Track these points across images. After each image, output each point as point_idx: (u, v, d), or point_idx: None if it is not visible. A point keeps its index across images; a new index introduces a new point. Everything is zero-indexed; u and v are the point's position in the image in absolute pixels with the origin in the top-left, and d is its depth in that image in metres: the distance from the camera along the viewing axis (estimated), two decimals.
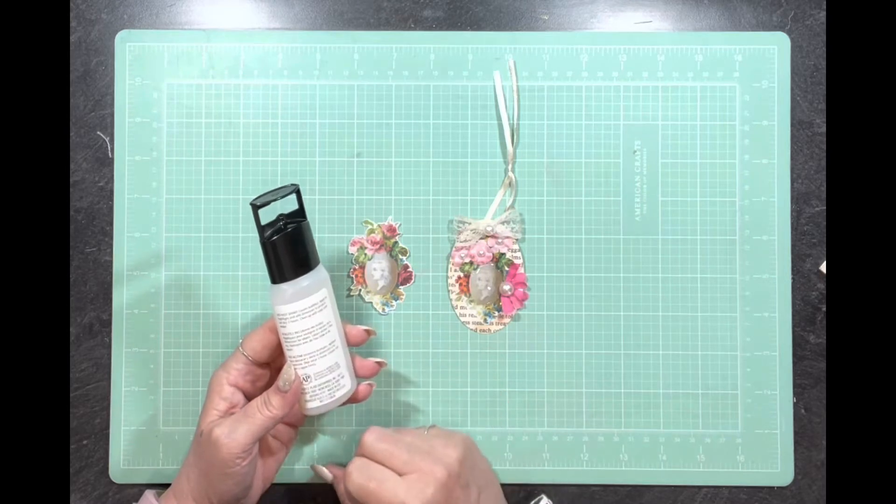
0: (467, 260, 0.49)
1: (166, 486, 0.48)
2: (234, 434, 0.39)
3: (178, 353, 0.48)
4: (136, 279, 0.48)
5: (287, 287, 0.39)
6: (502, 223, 0.48)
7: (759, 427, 0.48)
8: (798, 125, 0.49)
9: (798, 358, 0.49)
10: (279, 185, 0.38)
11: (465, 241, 0.49)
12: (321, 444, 0.48)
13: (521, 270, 0.48)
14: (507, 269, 0.49)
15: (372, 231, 0.49)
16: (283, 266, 0.39)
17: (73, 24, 0.49)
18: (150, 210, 0.49)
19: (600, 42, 0.49)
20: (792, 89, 0.49)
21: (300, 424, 0.46)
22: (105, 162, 0.49)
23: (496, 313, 0.49)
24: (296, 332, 0.39)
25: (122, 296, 0.48)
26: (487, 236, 0.49)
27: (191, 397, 0.48)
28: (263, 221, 0.39)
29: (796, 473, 0.48)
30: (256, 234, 0.48)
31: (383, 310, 0.49)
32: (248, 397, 0.43)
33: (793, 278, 0.49)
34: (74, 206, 0.49)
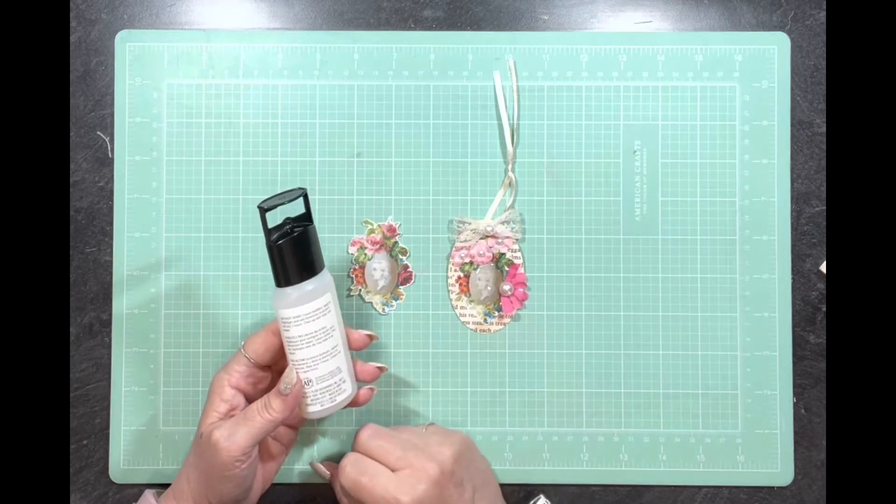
0: (467, 260, 0.49)
1: (166, 485, 0.48)
2: (234, 437, 0.39)
3: (178, 353, 0.48)
4: (136, 279, 0.48)
5: (292, 291, 0.39)
6: (502, 223, 0.48)
7: (759, 427, 0.48)
8: (798, 125, 0.49)
9: (798, 358, 0.49)
10: (286, 188, 0.37)
11: (465, 241, 0.49)
12: (321, 444, 0.48)
13: (521, 270, 0.48)
14: (507, 269, 0.49)
15: (372, 231, 0.49)
16: (288, 270, 0.38)
17: (73, 24, 0.49)
18: (150, 210, 0.49)
19: (600, 42, 0.49)
20: (792, 89, 0.49)
21: (300, 426, 0.46)
22: (105, 162, 0.49)
23: (496, 313, 0.49)
24: (299, 336, 0.39)
25: (122, 296, 0.48)
26: (487, 236, 0.49)
27: (191, 397, 0.48)
28: (270, 224, 0.39)
29: (796, 473, 0.48)
30: (256, 235, 0.48)
31: (383, 310, 0.49)
32: (249, 399, 0.43)
33: (793, 278, 0.49)
34: (74, 206, 0.49)
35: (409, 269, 0.49)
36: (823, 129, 0.49)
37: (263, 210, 0.37)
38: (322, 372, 0.40)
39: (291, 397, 0.40)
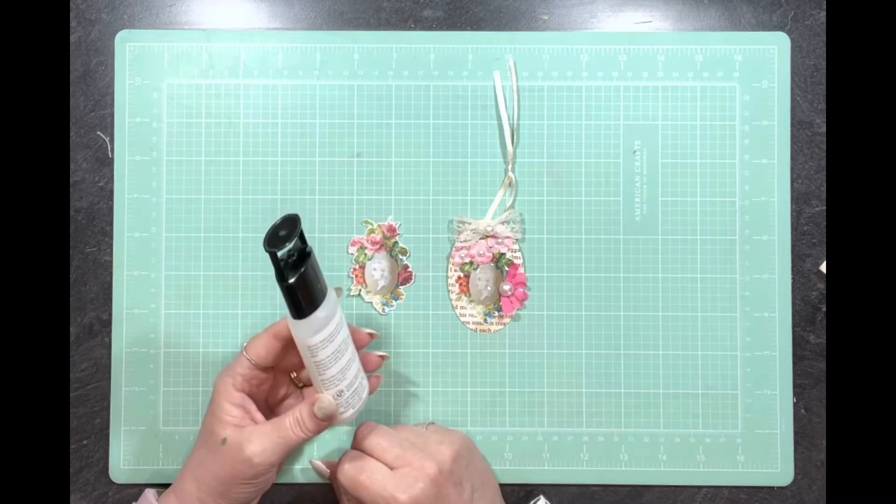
0: (467, 260, 0.49)
1: (166, 485, 0.48)
2: (267, 452, 0.39)
3: (178, 353, 0.48)
4: (136, 279, 0.48)
5: (312, 319, 0.39)
6: (502, 223, 0.48)
7: (759, 427, 0.48)
8: (798, 125, 0.49)
9: (798, 358, 0.49)
10: (277, 219, 0.37)
11: (465, 241, 0.49)
12: (321, 442, 0.48)
13: (521, 270, 0.48)
14: (507, 269, 0.49)
15: (372, 231, 0.49)
16: (305, 301, 0.38)
17: (73, 24, 0.49)
18: (150, 210, 0.49)
19: (600, 42, 0.49)
20: (792, 89, 0.49)
21: None
22: (105, 162, 0.49)
23: (496, 313, 0.49)
24: (326, 357, 0.39)
25: (122, 296, 0.48)
26: (487, 236, 0.49)
27: (191, 397, 0.48)
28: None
29: (796, 473, 0.48)
30: (256, 235, 0.48)
31: (383, 310, 0.49)
32: (254, 400, 0.43)
33: (793, 278, 0.49)
34: (74, 206, 0.49)
35: (409, 269, 0.49)
36: (823, 129, 0.49)
37: (275, 253, 0.36)
38: (349, 379, 0.41)
39: (328, 420, 0.40)
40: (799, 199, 0.49)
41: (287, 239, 0.36)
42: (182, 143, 0.49)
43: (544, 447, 0.48)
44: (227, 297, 0.49)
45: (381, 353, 0.44)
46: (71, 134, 0.49)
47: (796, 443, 0.48)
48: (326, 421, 0.40)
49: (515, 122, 0.49)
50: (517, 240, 0.49)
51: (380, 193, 0.49)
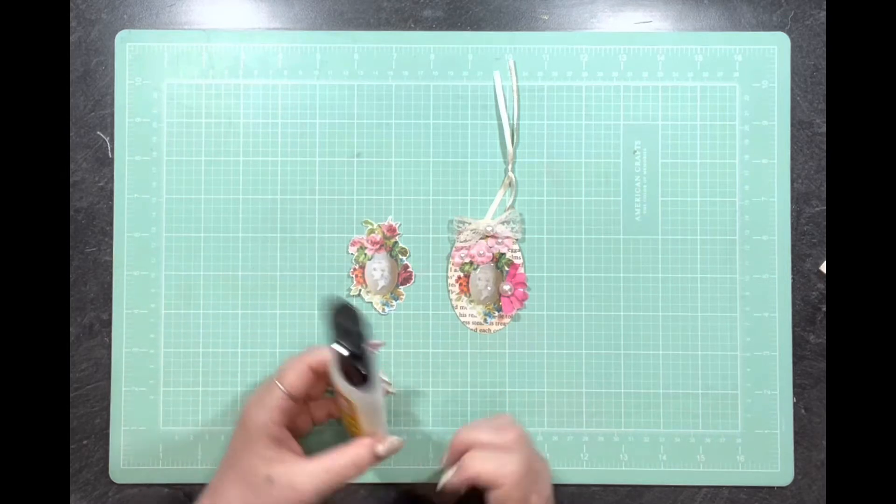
0: (467, 260, 0.49)
1: (166, 485, 0.48)
2: (320, 491, 0.39)
3: (178, 353, 0.48)
4: (136, 279, 0.48)
5: (377, 384, 0.39)
6: (502, 223, 0.48)
7: (759, 427, 0.48)
8: (798, 125, 0.49)
9: (798, 358, 0.49)
10: (330, 307, 0.38)
11: (465, 241, 0.49)
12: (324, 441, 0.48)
13: (521, 270, 0.48)
14: (507, 269, 0.49)
15: (372, 231, 0.49)
16: (372, 373, 0.39)
17: (73, 24, 0.49)
18: (150, 210, 0.49)
19: (600, 42, 0.49)
20: (792, 89, 0.49)
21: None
22: (105, 162, 0.49)
23: (496, 313, 0.49)
24: (382, 407, 0.40)
25: (122, 296, 0.48)
26: (487, 236, 0.49)
27: (191, 397, 0.48)
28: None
29: (796, 473, 0.48)
30: (256, 235, 0.48)
31: (383, 310, 0.49)
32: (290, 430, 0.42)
33: (793, 278, 0.49)
34: (74, 206, 0.49)
35: (409, 269, 0.49)
36: (823, 129, 0.49)
37: (354, 356, 0.37)
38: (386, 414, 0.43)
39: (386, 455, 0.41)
40: (799, 199, 0.49)
41: (357, 333, 0.37)
42: (182, 143, 0.49)
43: (544, 447, 0.48)
44: (227, 297, 0.49)
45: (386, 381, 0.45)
46: (71, 134, 0.49)
47: (796, 443, 0.48)
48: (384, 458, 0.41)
49: (515, 122, 0.49)
50: (517, 240, 0.49)
51: (380, 193, 0.49)
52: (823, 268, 0.49)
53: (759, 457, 0.48)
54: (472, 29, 0.50)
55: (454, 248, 0.49)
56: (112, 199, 0.49)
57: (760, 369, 0.48)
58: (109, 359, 0.48)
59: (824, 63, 0.49)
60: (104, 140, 0.49)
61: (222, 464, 0.42)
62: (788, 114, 0.49)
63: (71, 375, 0.48)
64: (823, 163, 0.49)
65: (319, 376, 0.42)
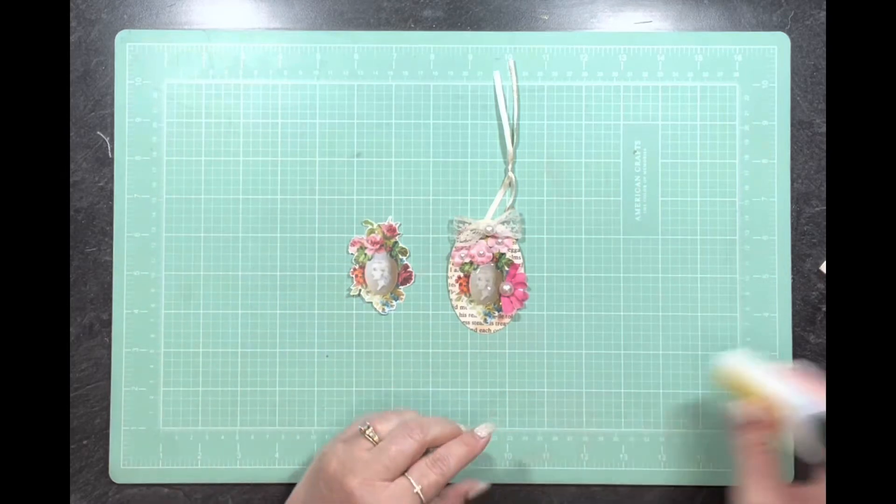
0: (467, 260, 0.49)
1: (166, 485, 0.48)
2: None
3: (178, 353, 0.48)
4: (136, 279, 0.48)
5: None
6: (502, 223, 0.48)
7: None
8: (798, 125, 0.49)
9: (798, 358, 0.49)
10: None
11: (465, 241, 0.49)
12: (323, 438, 0.48)
13: (521, 270, 0.48)
14: (507, 269, 0.49)
15: (372, 231, 0.49)
16: None
17: (73, 24, 0.49)
18: (150, 210, 0.49)
19: (600, 42, 0.49)
20: (792, 89, 0.49)
21: None
22: (105, 162, 0.49)
23: (496, 313, 0.49)
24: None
25: (122, 296, 0.48)
26: (487, 236, 0.49)
27: (191, 397, 0.48)
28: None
29: (796, 473, 0.48)
30: (256, 235, 0.48)
31: (383, 310, 0.49)
32: None
33: (793, 278, 0.49)
34: (74, 206, 0.49)
35: (409, 269, 0.49)
36: (823, 129, 0.49)
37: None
38: None
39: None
40: (799, 199, 0.49)
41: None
42: (182, 143, 0.49)
43: (544, 447, 0.48)
44: (227, 297, 0.49)
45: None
46: (71, 134, 0.49)
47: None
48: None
49: (515, 122, 0.49)
50: (517, 240, 0.49)
51: (380, 193, 0.49)
52: (823, 268, 0.49)
53: None
54: (472, 29, 0.50)
55: (454, 248, 0.49)
56: (112, 199, 0.49)
57: None
58: (109, 359, 0.48)
59: (824, 63, 0.49)
60: (104, 140, 0.49)
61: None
62: (788, 114, 0.49)
63: (71, 375, 0.48)
64: (823, 163, 0.49)
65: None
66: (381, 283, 0.49)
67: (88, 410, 0.48)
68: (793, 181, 0.49)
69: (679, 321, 0.48)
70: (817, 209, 0.49)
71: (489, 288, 0.49)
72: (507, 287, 0.48)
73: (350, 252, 0.49)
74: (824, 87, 0.49)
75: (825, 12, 0.49)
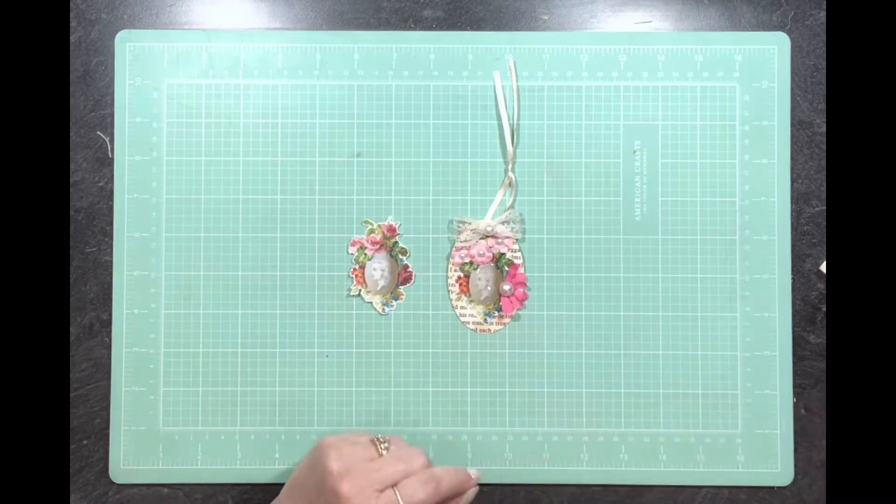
0: (467, 260, 0.49)
1: (166, 485, 0.48)
2: None
3: (178, 353, 0.48)
4: (136, 279, 0.48)
5: None
6: (502, 223, 0.48)
7: (759, 427, 0.48)
8: (798, 125, 0.49)
9: (798, 358, 0.49)
10: None
11: (465, 241, 0.49)
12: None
13: (521, 270, 0.48)
14: (507, 269, 0.49)
15: (372, 231, 0.49)
16: None
17: (73, 24, 0.49)
18: (150, 210, 0.49)
19: (600, 42, 0.49)
20: (792, 89, 0.49)
21: None
22: (105, 162, 0.49)
23: (496, 313, 0.49)
24: None
25: (122, 296, 0.48)
26: (487, 236, 0.49)
27: (191, 397, 0.48)
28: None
29: (796, 473, 0.48)
30: (256, 235, 0.48)
31: (383, 310, 0.49)
32: None
33: (793, 278, 0.49)
34: (74, 206, 0.49)
35: (409, 269, 0.49)
36: (823, 129, 0.49)
37: None
38: None
39: None
40: (799, 199, 0.49)
41: None
42: (182, 143, 0.49)
43: (544, 447, 0.48)
44: (227, 297, 0.49)
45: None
46: (71, 134, 0.49)
47: (796, 443, 0.48)
48: None
49: (515, 122, 0.49)
50: (517, 240, 0.49)
51: (380, 193, 0.49)
52: (823, 268, 0.49)
53: (759, 457, 0.48)
54: (472, 29, 0.50)
55: (454, 248, 0.49)
56: (112, 199, 0.49)
57: (760, 369, 0.48)
58: (109, 359, 0.48)
59: (824, 63, 0.49)
60: (104, 140, 0.49)
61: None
62: (788, 114, 0.49)
63: (71, 375, 0.48)
64: (823, 163, 0.49)
65: None
66: (381, 283, 0.49)
67: (88, 410, 0.48)
68: (793, 181, 0.49)
69: (679, 321, 0.48)
70: (817, 209, 0.49)
71: (489, 288, 0.49)
72: (507, 287, 0.48)
73: (350, 252, 0.49)
74: (824, 87, 0.49)
75: (825, 12, 0.49)
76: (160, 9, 0.50)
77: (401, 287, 0.49)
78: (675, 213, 0.49)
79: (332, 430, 0.48)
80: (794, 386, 0.48)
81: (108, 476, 0.48)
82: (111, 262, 0.49)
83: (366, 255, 0.49)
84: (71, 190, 0.49)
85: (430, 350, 0.49)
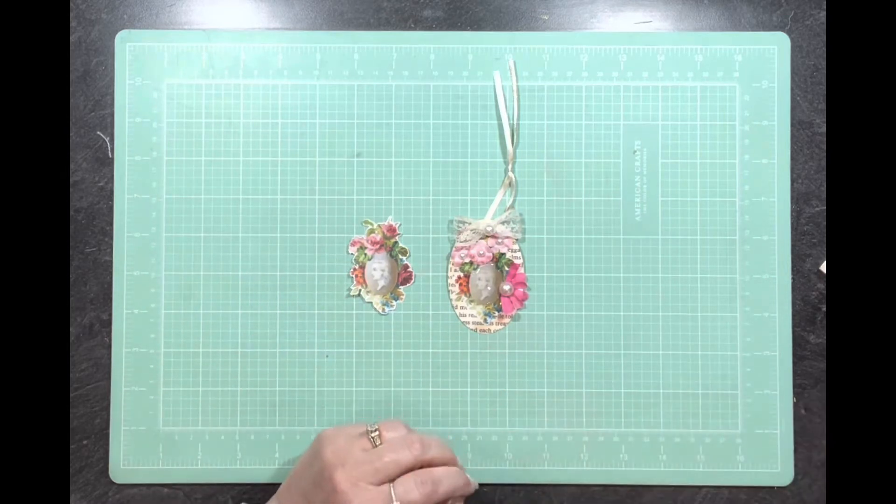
0: (467, 260, 0.49)
1: (166, 485, 0.48)
2: None
3: (178, 353, 0.48)
4: (136, 279, 0.48)
5: None
6: (502, 223, 0.48)
7: (759, 427, 0.48)
8: (798, 125, 0.49)
9: (798, 358, 0.49)
10: None
11: (465, 241, 0.49)
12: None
13: (521, 270, 0.48)
14: (507, 269, 0.49)
15: (372, 231, 0.49)
16: None
17: (73, 24, 0.49)
18: (150, 210, 0.49)
19: (600, 42, 0.49)
20: (792, 89, 0.49)
21: None
22: (105, 162, 0.49)
23: (496, 313, 0.49)
24: None
25: (122, 296, 0.48)
26: (487, 236, 0.49)
27: (191, 397, 0.48)
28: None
29: (796, 473, 0.48)
30: (256, 235, 0.48)
31: (383, 310, 0.49)
32: None
33: (793, 278, 0.49)
34: (74, 206, 0.49)
35: (409, 269, 0.49)
36: (823, 129, 0.49)
37: None
38: None
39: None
40: (799, 199, 0.49)
41: None
42: (182, 143, 0.49)
43: (544, 447, 0.48)
44: (227, 297, 0.49)
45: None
46: (71, 134, 0.49)
47: (796, 443, 0.48)
48: None
49: (515, 122, 0.49)
50: (517, 240, 0.49)
51: (380, 193, 0.49)
52: (823, 268, 0.49)
53: (759, 457, 0.48)
54: (472, 29, 0.50)
55: (454, 248, 0.49)
56: (112, 199, 0.49)
57: (760, 369, 0.48)
58: (109, 359, 0.48)
59: (824, 63, 0.49)
60: (104, 140, 0.49)
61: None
62: (788, 114, 0.49)
63: (71, 375, 0.48)
64: (823, 163, 0.49)
65: None
66: (381, 283, 0.49)
67: (88, 410, 0.48)
68: (793, 181, 0.49)
69: (679, 321, 0.48)
70: (817, 209, 0.49)
71: (489, 288, 0.49)
72: (507, 287, 0.48)
73: (350, 252, 0.49)
74: (824, 87, 0.49)
75: (825, 12, 0.49)
76: (160, 9, 0.50)
77: (401, 287, 0.49)
78: (675, 213, 0.49)
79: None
80: (794, 386, 0.48)
81: (108, 476, 0.48)
82: (111, 262, 0.49)
83: (366, 255, 0.49)
84: (71, 190, 0.49)
85: (430, 350, 0.49)
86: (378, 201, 0.49)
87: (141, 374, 0.48)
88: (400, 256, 0.49)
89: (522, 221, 0.49)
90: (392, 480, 0.40)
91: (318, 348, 0.48)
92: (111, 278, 0.49)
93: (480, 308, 0.49)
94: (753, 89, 0.49)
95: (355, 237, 0.49)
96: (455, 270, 0.49)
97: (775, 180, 0.49)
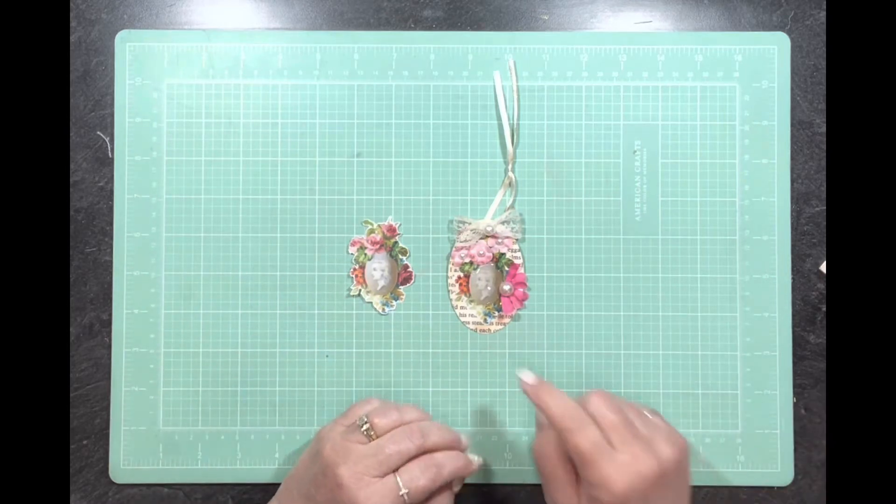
0: (467, 260, 0.49)
1: (166, 485, 0.48)
2: None
3: (178, 353, 0.48)
4: (136, 279, 0.48)
5: None
6: (502, 223, 0.48)
7: (759, 427, 0.48)
8: (798, 125, 0.49)
9: (798, 358, 0.49)
10: None
11: (465, 241, 0.49)
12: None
13: (521, 270, 0.48)
14: (507, 269, 0.49)
15: (372, 231, 0.49)
16: None
17: (73, 24, 0.49)
18: (150, 210, 0.49)
19: (600, 42, 0.49)
20: (792, 89, 0.49)
21: None
22: (105, 162, 0.49)
23: (496, 313, 0.49)
24: None
25: (122, 296, 0.48)
26: (487, 236, 0.49)
27: (191, 397, 0.48)
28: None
29: (796, 473, 0.48)
30: (256, 235, 0.48)
31: (383, 310, 0.49)
32: None
33: (793, 278, 0.49)
34: (74, 206, 0.49)
35: (409, 269, 0.49)
36: (823, 129, 0.49)
37: None
38: None
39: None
40: (799, 199, 0.49)
41: None
42: (182, 143, 0.49)
43: None
44: (227, 297, 0.49)
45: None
46: (71, 134, 0.49)
47: (796, 443, 0.48)
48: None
49: (515, 122, 0.49)
50: (517, 240, 0.49)
51: (380, 193, 0.49)
52: (823, 268, 0.49)
53: (759, 457, 0.48)
54: (472, 29, 0.50)
55: (454, 248, 0.49)
56: (112, 199, 0.49)
57: (760, 369, 0.48)
58: (109, 359, 0.48)
59: (824, 63, 0.49)
60: (104, 140, 0.49)
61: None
62: (788, 114, 0.49)
63: (71, 375, 0.48)
64: (823, 163, 0.49)
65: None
66: (381, 283, 0.49)
67: (88, 410, 0.48)
68: (793, 181, 0.49)
69: (679, 321, 0.48)
70: (817, 209, 0.49)
71: (489, 288, 0.49)
72: (507, 287, 0.48)
73: (350, 252, 0.49)
74: (824, 87, 0.49)
75: (825, 12, 0.49)
76: (160, 9, 0.50)
77: (401, 287, 0.49)
78: (675, 213, 0.49)
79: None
80: (794, 386, 0.48)
81: (108, 476, 0.48)
82: (111, 262, 0.49)
83: (366, 255, 0.49)
84: (71, 190, 0.49)
85: (430, 350, 0.49)
86: (378, 201, 0.49)
87: (141, 374, 0.48)
88: (400, 256, 0.49)
89: (522, 221, 0.49)
90: (395, 470, 0.40)
91: (318, 348, 0.48)
92: (111, 278, 0.49)
93: (480, 308, 0.49)
94: (753, 89, 0.49)
95: (355, 237, 0.49)
96: (455, 270, 0.49)
97: (775, 180, 0.49)
